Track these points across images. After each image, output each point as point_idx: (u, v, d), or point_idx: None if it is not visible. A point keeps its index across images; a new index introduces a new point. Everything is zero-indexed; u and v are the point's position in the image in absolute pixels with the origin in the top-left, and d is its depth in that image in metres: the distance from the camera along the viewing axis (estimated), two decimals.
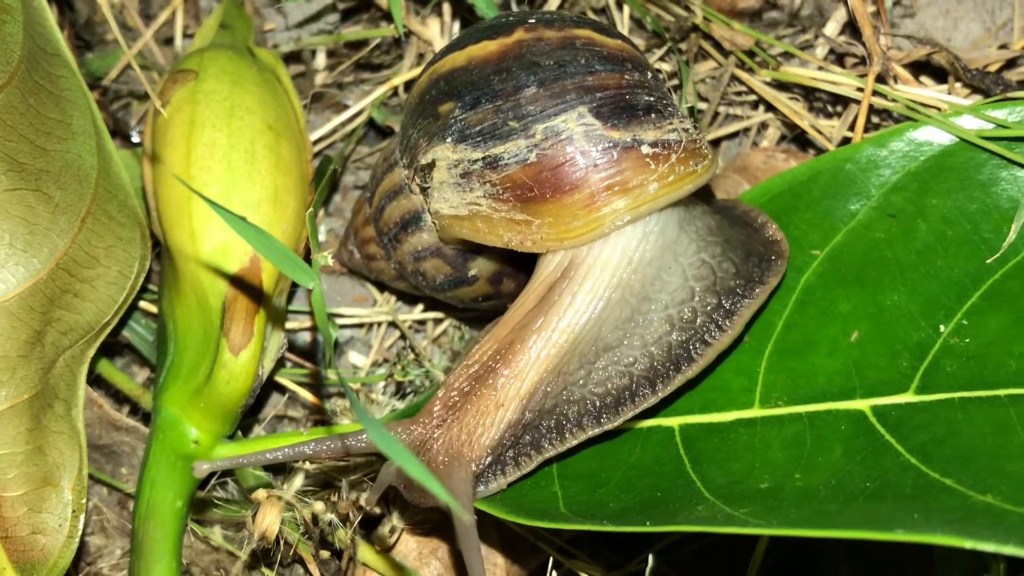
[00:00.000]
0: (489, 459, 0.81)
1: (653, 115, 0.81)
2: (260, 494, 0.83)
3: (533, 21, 0.84)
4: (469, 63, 0.83)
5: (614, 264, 0.81)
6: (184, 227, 0.89)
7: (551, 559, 0.85)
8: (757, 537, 0.87)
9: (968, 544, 0.67)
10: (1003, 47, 0.97)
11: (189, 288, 0.89)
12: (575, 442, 0.82)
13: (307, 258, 0.94)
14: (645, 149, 0.79)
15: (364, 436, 0.81)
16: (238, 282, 0.88)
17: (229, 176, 0.89)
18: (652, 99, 0.81)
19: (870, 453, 0.79)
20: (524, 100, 0.80)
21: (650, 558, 0.77)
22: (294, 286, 0.98)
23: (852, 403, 0.82)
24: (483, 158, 0.80)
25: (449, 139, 0.82)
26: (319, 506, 0.81)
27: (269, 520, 0.82)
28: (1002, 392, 0.80)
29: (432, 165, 0.83)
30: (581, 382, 0.82)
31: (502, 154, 0.80)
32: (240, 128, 0.90)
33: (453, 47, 0.86)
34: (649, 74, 0.83)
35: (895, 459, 0.78)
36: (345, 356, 1.00)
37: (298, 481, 0.84)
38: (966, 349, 0.82)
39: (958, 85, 0.94)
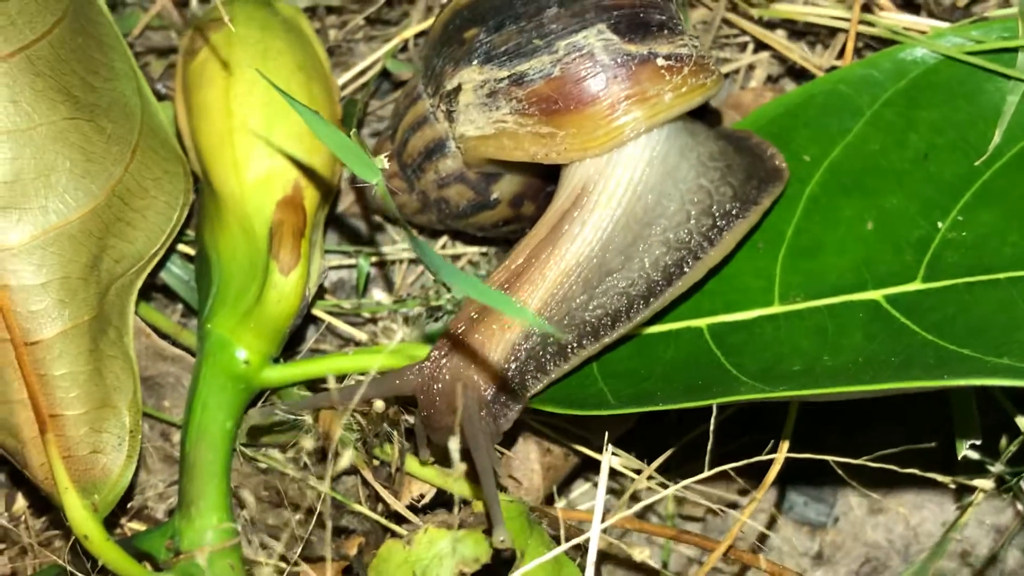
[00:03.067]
0: (497, 384, 0.86)
1: (666, 31, 0.87)
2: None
3: None
4: None
5: (620, 193, 0.87)
6: (227, 160, 0.93)
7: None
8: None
9: (997, 382, 0.76)
10: None
11: (233, 218, 0.93)
12: (577, 361, 0.88)
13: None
14: (660, 62, 0.86)
15: (403, 374, 0.86)
16: (282, 209, 0.92)
17: (268, 111, 0.93)
18: (664, 17, 0.88)
19: (890, 334, 0.86)
20: (547, 20, 0.86)
21: (713, 409, 0.81)
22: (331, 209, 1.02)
23: (866, 294, 0.89)
24: (509, 76, 0.86)
25: (475, 61, 0.88)
26: (379, 404, 0.85)
27: (330, 422, 0.86)
28: (1002, 275, 0.87)
29: (458, 89, 0.89)
30: (583, 307, 0.87)
31: (527, 70, 0.86)
32: (275, 68, 0.95)
33: None
34: None
35: (913, 337, 0.85)
36: (368, 295, 1.05)
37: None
38: (964, 241, 0.90)
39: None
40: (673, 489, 0.78)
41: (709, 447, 0.75)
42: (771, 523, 1.05)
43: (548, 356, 0.87)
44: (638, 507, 0.77)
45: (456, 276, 0.68)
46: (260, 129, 0.93)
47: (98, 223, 0.87)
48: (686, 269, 0.88)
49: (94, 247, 0.87)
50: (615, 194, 0.87)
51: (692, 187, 0.89)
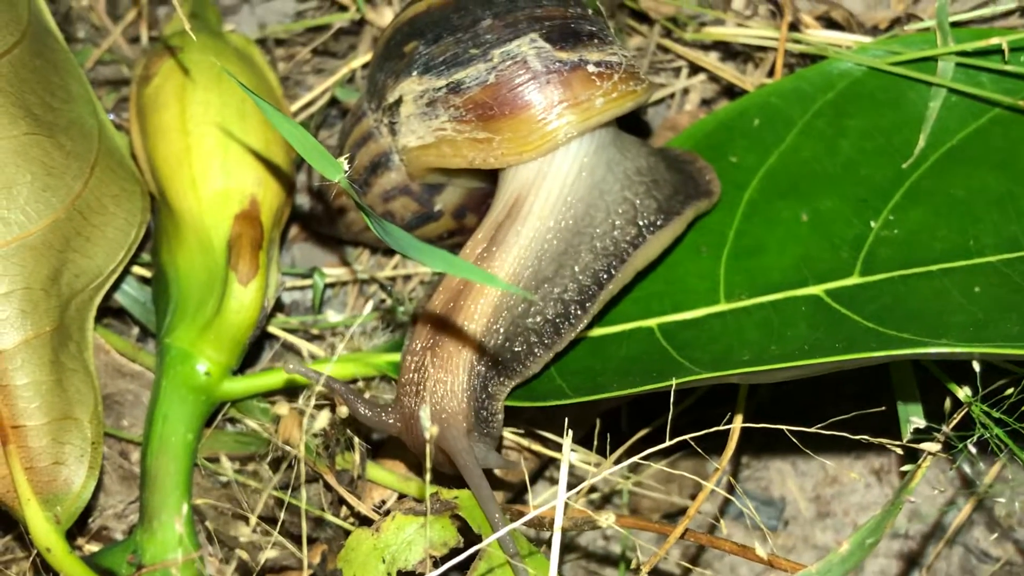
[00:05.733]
0: (472, 408, 0.88)
1: (596, 40, 0.91)
2: (282, 408, 0.87)
3: None
4: (429, 8, 0.93)
5: (552, 203, 0.90)
6: (185, 178, 0.95)
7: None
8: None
9: (944, 348, 0.80)
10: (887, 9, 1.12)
11: (191, 233, 0.95)
12: (536, 367, 0.90)
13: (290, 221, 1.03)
14: (591, 68, 0.90)
15: (386, 414, 0.89)
16: (240, 222, 0.94)
17: (224, 130, 0.96)
18: (594, 28, 0.92)
19: (832, 324, 0.90)
20: (481, 30, 0.90)
21: (671, 391, 0.84)
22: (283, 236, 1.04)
23: (807, 290, 0.93)
24: (447, 84, 0.90)
25: (415, 72, 0.91)
26: (343, 410, 0.86)
27: (291, 429, 0.87)
28: (934, 267, 0.92)
29: (400, 101, 0.92)
30: (524, 314, 0.90)
31: (464, 78, 0.89)
32: (229, 89, 0.98)
33: (413, 0, 0.95)
34: (590, 10, 0.94)
35: (855, 325, 0.89)
36: (324, 315, 1.07)
37: (314, 398, 0.89)
38: (896, 238, 0.94)
39: None
40: (632, 471, 0.80)
41: (669, 417, 0.78)
42: (721, 530, 1.07)
43: (503, 369, 0.89)
44: (592, 479, 0.79)
45: (426, 251, 0.70)
46: (217, 147, 0.96)
47: (59, 236, 0.89)
48: (614, 272, 0.91)
49: (55, 260, 0.88)
50: (547, 204, 0.90)
51: (617, 199, 0.92)
